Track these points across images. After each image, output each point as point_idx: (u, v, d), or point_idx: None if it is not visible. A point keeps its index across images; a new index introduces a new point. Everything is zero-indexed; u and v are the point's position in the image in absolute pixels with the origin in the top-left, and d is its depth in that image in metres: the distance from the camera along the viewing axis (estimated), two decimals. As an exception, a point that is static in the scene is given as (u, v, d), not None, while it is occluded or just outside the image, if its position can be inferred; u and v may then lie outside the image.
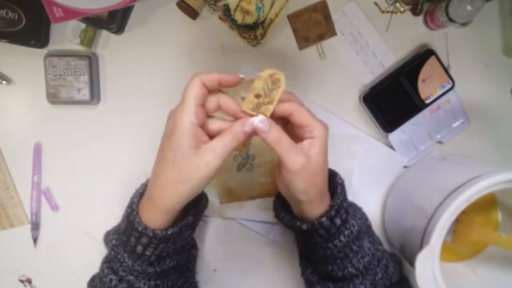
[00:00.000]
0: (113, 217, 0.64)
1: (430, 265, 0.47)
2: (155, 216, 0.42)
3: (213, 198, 0.63)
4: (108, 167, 0.64)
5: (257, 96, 0.42)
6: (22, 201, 0.64)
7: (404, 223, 0.58)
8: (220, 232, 0.64)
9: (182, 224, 0.45)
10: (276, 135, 0.41)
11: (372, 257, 0.48)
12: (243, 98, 0.43)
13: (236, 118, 0.43)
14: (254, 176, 0.62)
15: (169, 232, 0.43)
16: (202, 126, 0.42)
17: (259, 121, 0.41)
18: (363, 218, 0.49)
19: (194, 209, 0.48)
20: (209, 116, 0.44)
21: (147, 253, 0.44)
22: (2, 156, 0.64)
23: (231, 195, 0.62)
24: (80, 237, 0.64)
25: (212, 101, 0.43)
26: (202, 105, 0.42)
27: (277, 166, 0.47)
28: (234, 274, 0.65)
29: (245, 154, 0.61)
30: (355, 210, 0.49)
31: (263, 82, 0.42)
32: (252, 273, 0.65)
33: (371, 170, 0.64)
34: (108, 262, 0.47)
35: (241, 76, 0.42)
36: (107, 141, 0.64)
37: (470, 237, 0.58)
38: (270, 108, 0.42)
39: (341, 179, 0.49)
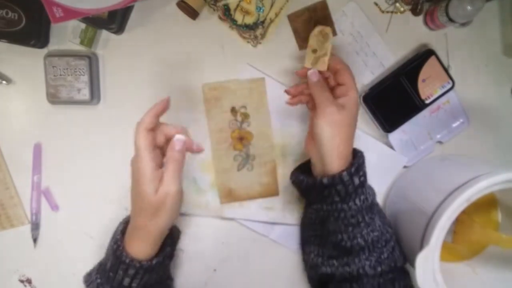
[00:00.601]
0: (113, 217, 0.64)
1: (430, 265, 0.47)
2: (144, 248, 0.48)
3: (214, 198, 0.63)
4: (108, 167, 0.64)
5: (314, 51, 0.53)
6: (22, 201, 0.64)
7: (404, 223, 0.58)
8: (220, 232, 0.64)
9: (164, 254, 0.50)
10: (322, 85, 0.51)
11: (381, 234, 0.50)
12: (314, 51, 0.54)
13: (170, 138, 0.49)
14: (254, 176, 0.62)
15: (153, 262, 0.48)
16: (160, 163, 0.48)
17: (311, 73, 0.52)
18: (374, 197, 0.53)
19: (170, 239, 0.53)
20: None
21: (134, 284, 0.48)
22: (2, 156, 0.64)
23: (231, 195, 0.62)
24: (80, 237, 0.64)
25: (160, 138, 0.49)
26: (154, 145, 0.48)
27: (310, 131, 0.55)
28: (234, 274, 0.65)
29: (245, 154, 0.62)
30: (369, 187, 0.53)
31: (315, 38, 0.54)
32: (252, 273, 0.65)
33: (371, 170, 0.63)
34: None
35: (166, 97, 0.49)
36: (107, 141, 0.64)
37: (470, 237, 0.58)
38: (326, 60, 0.53)
39: (363, 155, 0.53)
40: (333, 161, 0.49)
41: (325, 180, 0.49)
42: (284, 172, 0.63)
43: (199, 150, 0.50)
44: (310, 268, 0.56)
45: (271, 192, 0.63)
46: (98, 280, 0.50)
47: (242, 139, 0.62)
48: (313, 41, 0.54)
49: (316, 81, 0.51)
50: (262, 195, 0.62)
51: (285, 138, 0.63)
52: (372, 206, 0.51)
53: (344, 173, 0.48)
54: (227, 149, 0.62)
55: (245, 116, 0.61)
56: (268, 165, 0.62)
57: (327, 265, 0.52)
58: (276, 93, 0.61)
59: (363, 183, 0.50)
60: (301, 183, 0.54)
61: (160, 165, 0.48)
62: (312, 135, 0.53)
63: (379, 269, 0.49)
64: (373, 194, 0.53)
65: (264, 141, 0.62)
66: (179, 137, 0.47)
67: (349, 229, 0.49)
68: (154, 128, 0.48)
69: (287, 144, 0.63)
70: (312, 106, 0.55)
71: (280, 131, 0.63)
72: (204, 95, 0.61)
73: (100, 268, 0.52)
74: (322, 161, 0.51)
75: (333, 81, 0.54)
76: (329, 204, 0.50)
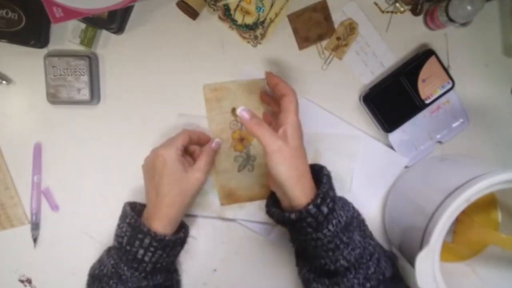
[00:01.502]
0: (113, 217, 0.64)
1: (430, 265, 0.47)
2: (161, 227, 0.51)
3: (216, 199, 0.63)
4: (108, 167, 0.64)
5: (338, 38, 0.59)
6: (22, 201, 0.64)
7: (404, 223, 0.58)
8: (220, 232, 0.65)
9: (178, 236, 0.53)
10: (256, 121, 0.49)
11: (363, 250, 0.49)
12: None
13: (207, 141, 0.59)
14: (255, 177, 0.62)
15: (167, 238, 0.51)
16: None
17: (241, 109, 0.49)
18: (352, 212, 0.51)
19: (184, 228, 0.57)
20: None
21: (146, 258, 0.51)
22: (2, 156, 0.64)
23: (231, 197, 0.62)
24: (80, 237, 0.64)
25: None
26: (185, 148, 0.56)
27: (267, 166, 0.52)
28: (234, 274, 0.65)
29: (245, 155, 0.61)
30: (344, 203, 0.51)
31: (344, 28, 0.59)
32: (252, 273, 0.65)
33: (371, 171, 0.64)
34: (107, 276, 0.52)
35: (218, 141, 0.60)
36: (107, 141, 0.64)
37: (470, 237, 0.58)
38: (345, 50, 0.60)
39: (327, 171, 0.52)
40: (297, 196, 0.48)
41: (293, 216, 0.48)
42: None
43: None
44: (303, 281, 0.55)
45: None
46: (112, 261, 0.52)
47: (242, 140, 0.61)
48: (341, 29, 0.59)
49: (249, 119, 0.49)
50: (262, 197, 0.62)
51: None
52: (347, 225, 0.49)
53: (310, 207, 0.47)
54: (228, 150, 0.61)
55: None
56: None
57: (318, 282, 0.51)
58: None
59: (333, 208, 0.48)
60: (272, 216, 0.53)
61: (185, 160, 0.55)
62: (268, 167, 0.50)
63: (368, 285, 0.48)
64: (347, 210, 0.50)
65: None
66: (218, 140, 0.59)
67: (329, 253, 0.48)
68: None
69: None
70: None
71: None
72: (205, 95, 0.61)
73: (111, 252, 0.54)
74: (286, 197, 0.49)
75: (276, 108, 0.55)
76: (303, 235, 0.49)
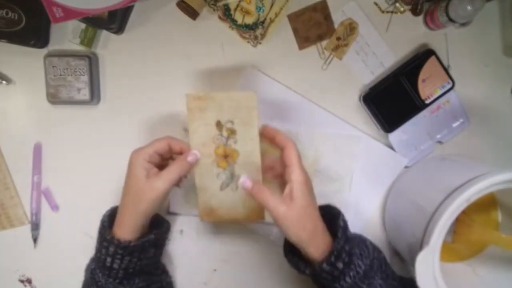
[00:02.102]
0: (113, 217, 0.64)
1: (430, 265, 0.47)
2: (125, 231, 0.50)
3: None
4: (108, 167, 0.64)
5: (338, 38, 0.59)
6: (22, 201, 0.64)
7: (404, 223, 0.58)
8: (220, 232, 0.64)
9: (144, 240, 0.51)
10: (258, 188, 0.48)
11: None
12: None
13: (182, 152, 0.52)
14: (238, 197, 0.55)
15: (132, 244, 0.50)
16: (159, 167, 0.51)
17: (243, 179, 0.49)
18: (372, 256, 0.49)
19: (156, 229, 0.54)
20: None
21: (115, 266, 0.50)
22: (2, 156, 0.64)
23: (212, 214, 0.56)
24: (80, 237, 0.64)
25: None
26: (161, 155, 0.52)
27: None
28: (234, 274, 0.65)
29: (229, 173, 0.55)
30: (363, 249, 0.49)
31: (344, 28, 0.58)
32: (252, 273, 0.65)
33: (371, 171, 0.64)
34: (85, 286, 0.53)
35: (196, 153, 0.52)
36: (107, 141, 0.64)
37: (470, 237, 0.58)
38: (345, 50, 0.59)
39: (343, 220, 0.50)
40: (311, 253, 0.47)
41: (307, 272, 0.48)
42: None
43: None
44: None
45: (257, 215, 0.56)
46: (92, 266, 0.52)
47: (226, 156, 0.54)
48: (341, 29, 0.58)
49: (251, 187, 0.49)
50: (246, 219, 0.56)
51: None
52: (367, 273, 0.47)
53: (324, 265, 0.46)
54: (210, 165, 0.54)
55: (232, 132, 0.53)
56: None
57: None
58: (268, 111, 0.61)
59: (349, 261, 0.47)
60: (289, 262, 0.53)
61: (156, 165, 0.51)
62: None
63: None
64: (366, 257, 0.48)
65: (251, 161, 0.54)
66: (196, 152, 0.52)
67: None
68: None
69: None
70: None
71: (308, 163, 0.61)
72: (187, 104, 0.53)
73: (95, 255, 0.54)
74: (300, 247, 0.48)
75: (279, 166, 0.52)
76: (320, 285, 0.49)
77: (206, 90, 0.60)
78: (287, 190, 0.47)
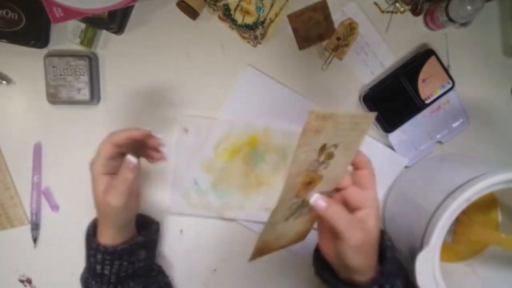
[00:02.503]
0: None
1: (430, 265, 0.47)
2: (110, 236, 0.51)
3: (215, 199, 0.63)
4: (108, 167, 0.64)
5: (338, 38, 0.58)
6: (22, 201, 0.64)
7: (404, 223, 0.58)
8: (220, 232, 0.64)
9: (132, 242, 0.51)
10: (334, 211, 0.41)
11: None
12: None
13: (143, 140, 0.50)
14: (296, 224, 0.47)
15: (119, 248, 0.50)
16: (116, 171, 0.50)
17: (316, 198, 0.41)
18: (404, 273, 0.47)
19: (145, 231, 0.55)
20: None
21: (106, 272, 0.50)
22: (2, 156, 0.64)
23: (265, 249, 0.47)
24: (80, 237, 0.64)
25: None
26: (113, 158, 0.49)
27: (322, 231, 0.45)
28: (234, 274, 0.65)
29: (301, 201, 0.43)
30: (400, 268, 0.46)
31: (344, 28, 0.58)
32: (252, 273, 0.65)
33: None
34: None
35: (148, 129, 0.50)
36: (107, 141, 0.64)
37: (470, 237, 0.58)
38: (345, 50, 0.59)
39: (389, 240, 0.46)
40: (362, 277, 0.43)
41: None
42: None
43: (160, 159, 0.52)
44: None
45: (301, 237, 0.50)
46: (86, 275, 0.53)
47: (310, 183, 0.43)
48: (341, 29, 0.58)
49: (325, 208, 0.41)
50: (293, 242, 0.49)
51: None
52: None
53: (375, 287, 0.42)
54: (291, 198, 0.42)
55: (329, 157, 0.42)
56: (314, 211, 0.44)
57: None
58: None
59: (394, 283, 0.43)
60: (326, 282, 0.48)
61: (116, 168, 0.50)
62: (334, 248, 0.43)
63: None
64: (403, 277, 0.45)
65: (330, 183, 0.44)
66: (131, 159, 0.49)
67: None
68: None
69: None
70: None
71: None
72: (307, 123, 0.38)
73: (86, 265, 0.54)
74: (347, 274, 0.44)
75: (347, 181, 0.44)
76: None
77: (330, 110, 0.40)
78: (362, 214, 0.41)
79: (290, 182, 0.40)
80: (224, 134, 0.63)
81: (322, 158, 0.42)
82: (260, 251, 0.46)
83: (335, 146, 0.42)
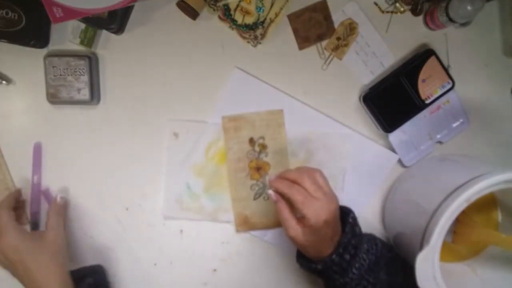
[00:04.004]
0: (112, 217, 0.64)
1: (430, 265, 0.47)
2: None
3: (208, 203, 0.63)
4: (107, 167, 0.64)
5: (338, 38, 0.60)
6: (22, 201, 0.64)
7: (404, 223, 0.58)
8: (220, 232, 0.64)
9: None
10: (279, 206, 0.50)
11: (390, 285, 0.52)
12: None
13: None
14: (270, 205, 0.62)
15: None
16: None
17: (271, 193, 0.50)
18: (380, 253, 0.53)
19: (91, 277, 0.58)
20: None
21: None
22: (2, 156, 0.64)
23: (246, 223, 0.63)
24: (80, 237, 0.64)
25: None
26: (16, 219, 0.55)
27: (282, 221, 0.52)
28: (234, 274, 0.65)
29: (262, 184, 0.62)
30: (370, 246, 0.53)
31: (344, 28, 0.60)
32: (252, 273, 0.65)
33: (364, 169, 0.64)
34: None
35: (62, 196, 0.60)
36: (107, 141, 0.64)
37: (470, 237, 0.58)
38: (345, 50, 0.61)
39: (353, 218, 0.53)
40: (321, 253, 0.50)
41: (319, 267, 0.50)
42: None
43: (62, 202, 0.60)
44: None
45: None
46: None
47: (259, 169, 0.63)
48: (341, 29, 0.59)
49: (275, 202, 0.51)
50: (277, 225, 0.62)
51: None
52: (373, 267, 0.51)
53: (334, 256, 0.49)
54: (245, 179, 0.62)
55: (263, 147, 0.62)
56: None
57: None
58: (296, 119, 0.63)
59: (355, 254, 0.50)
60: (301, 266, 0.55)
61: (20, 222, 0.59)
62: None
63: None
64: (372, 253, 0.52)
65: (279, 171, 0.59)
66: (63, 196, 0.60)
67: None
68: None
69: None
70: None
71: (299, 162, 0.63)
72: (223, 125, 0.62)
73: None
74: (311, 249, 0.51)
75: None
76: (331, 281, 0.52)
77: (239, 113, 0.62)
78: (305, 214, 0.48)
79: (230, 165, 0.62)
80: (214, 138, 0.63)
81: (257, 148, 0.62)
82: (243, 224, 0.63)
83: (263, 138, 0.62)
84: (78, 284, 0.55)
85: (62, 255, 0.54)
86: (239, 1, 0.61)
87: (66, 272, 0.53)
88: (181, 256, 0.64)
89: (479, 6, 0.55)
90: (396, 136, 0.63)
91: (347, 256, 0.50)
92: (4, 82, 0.62)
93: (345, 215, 0.53)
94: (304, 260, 0.54)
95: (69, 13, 0.54)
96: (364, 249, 0.51)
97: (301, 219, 0.49)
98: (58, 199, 0.59)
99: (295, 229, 0.49)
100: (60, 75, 0.61)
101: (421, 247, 0.50)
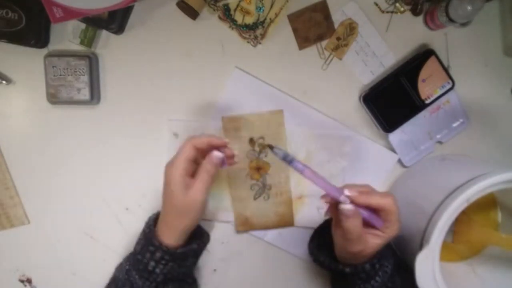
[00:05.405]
0: (113, 217, 0.65)
1: (430, 265, 0.47)
2: (171, 239, 0.51)
3: (209, 203, 0.63)
4: (108, 166, 0.64)
5: (338, 38, 0.60)
6: (22, 201, 0.64)
7: (404, 223, 0.58)
8: (220, 232, 0.64)
9: (189, 248, 0.52)
10: (358, 219, 0.46)
11: None
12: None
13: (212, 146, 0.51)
14: (270, 205, 0.63)
15: (178, 251, 0.51)
16: (192, 174, 0.51)
17: (348, 209, 0.46)
18: (393, 257, 0.52)
19: (199, 239, 0.55)
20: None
21: (157, 270, 0.50)
22: (2, 156, 0.64)
23: (247, 224, 0.63)
24: (80, 237, 0.64)
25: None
26: (193, 160, 0.51)
27: (337, 220, 0.49)
28: (234, 274, 0.65)
29: (261, 184, 0.63)
30: (389, 252, 0.52)
31: (344, 28, 0.60)
32: (252, 273, 0.65)
33: (364, 169, 0.64)
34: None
35: (227, 140, 0.51)
36: (107, 141, 0.64)
37: (470, 237, 0.58)
38: (345, 50, 0.61)
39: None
40: (357, 260, 0.49)
41: (347, 270, 0.50)
42: (301, 202, 0.63)
43: (233, 164, 0.53)
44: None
45: (287, 222, 0.63)
46: (127, 267, 0.53)
47: (259, 169, 0.63)
48: (341, 29, 0.59)
49: (352, 213, 0.46)
50: (277, 225, 0.63)
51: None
52: (392, 272, 0.51)
53: (367, 265, 0.49)
54: (245, 178, 0.63)
55: (263, 147, 0.62)
56: (284, 196, 0.63)
57: None
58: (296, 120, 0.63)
59: (382, 263, 0.50)
60: (322, 264, 0.54)
61: (192, 175, 0.51)
62: (340, 231, 0.49)
63: None
64: (391, 257, 0.52)
65: (280, 172, 0.62)
66: (218, 154, 0.51)
67: None
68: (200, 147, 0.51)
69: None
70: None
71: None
72: (223, 125, 0.62)
73: (130, 256, 0.54)
74: (348, 251, 0.49)
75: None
76: (350, 283, 0.51)
77: (238, 114, 0.62)
78: (375, 235, 0.48)
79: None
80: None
81: (257, 148, 0.62)
82: (243, 224, 0.63)
83: (262, 138, 0.62)
84: (198, 235, 0.55)
85: (189, 216, 0.50)
86: (239, 1, 0.61)
87: (186, 228, 0.51)
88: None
89: (479, 6, 0.55)
90: (396, 136, 0.63)
91: (377, 266, 0.49)
92: (4, 82, 0.62)
93: None
94: (328, 258, 0.53)
95: (69, 13, 0.54)
96: (388, 256, 0.51)
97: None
98: (213, 157, 0.50)
99: (378, 241, 0.48)
100: (60, 75, 0.61)
101: (421, 247, 0.50)
